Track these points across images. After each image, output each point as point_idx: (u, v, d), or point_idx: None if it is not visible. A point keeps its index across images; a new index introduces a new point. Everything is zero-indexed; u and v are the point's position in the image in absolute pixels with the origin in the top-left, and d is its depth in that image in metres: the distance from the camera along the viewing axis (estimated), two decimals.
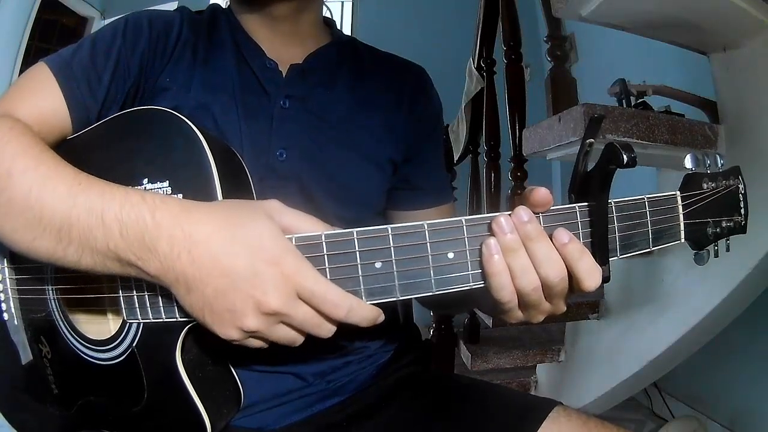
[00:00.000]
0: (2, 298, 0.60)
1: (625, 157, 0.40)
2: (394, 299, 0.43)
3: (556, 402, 0.59)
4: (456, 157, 2.16)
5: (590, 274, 0.42)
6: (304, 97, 0.65)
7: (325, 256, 0.43)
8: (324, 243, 0.43)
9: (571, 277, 0.43)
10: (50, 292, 0.56)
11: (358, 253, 0.42)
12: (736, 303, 1.17)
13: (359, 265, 0.42)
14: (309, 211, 0.45)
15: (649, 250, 0.46)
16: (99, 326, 0.54)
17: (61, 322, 0.56)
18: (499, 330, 1.71)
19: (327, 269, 0.42)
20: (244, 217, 0.42)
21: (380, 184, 0.68)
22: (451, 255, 0.43)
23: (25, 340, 0.59)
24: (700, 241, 0.49)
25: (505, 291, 0.43)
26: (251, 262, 0.40)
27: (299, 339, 0.44)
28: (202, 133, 0.49)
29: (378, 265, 0.42)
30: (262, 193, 0.56)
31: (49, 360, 0.58)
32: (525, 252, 0.42)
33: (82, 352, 0.55)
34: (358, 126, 0.66)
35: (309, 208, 0.46)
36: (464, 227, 0.43)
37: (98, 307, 0.54)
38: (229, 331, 0.42)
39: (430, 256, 0.42)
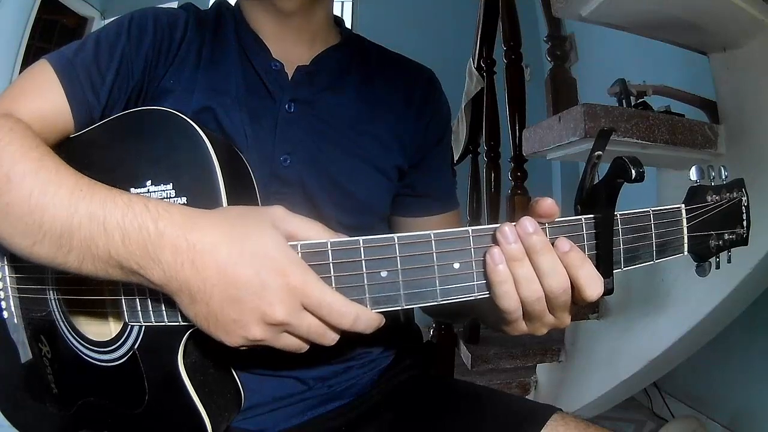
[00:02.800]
0: (2, 297, 0.59)
1: (633, 171, 0.40)
2: (399, 308, 0.43)
3: (554, 408, 0.58)
4: (456, 157, 2.16)
5: (591, 283, 0.43)
6: (310, 101, 0.63)
7: (331, 264, 0.42)
8: (330, 251, 0.42)
9: (573, 286, 0.43)
10: (51, 292, 0.56)
11: (363, 261, 0.42)
12: (736, 303, 1.17)
13: (365, 274, 0.42)
14: (312, 218, 0.45)
15: (652, 262, 0.46)
16: (99, 327, 0.54)
17: (61, 322, 0.56)
18: None
19: (332, 277, 0.42)
20: (249, 227, 0.42)
21: (386, 191, 0.67)
22: (457, 265, 0.42)
23: (24, 339, 0.58)
24: (702, 254, 0.49)
25: (510, 300, 0.43)
26: (257, 273, 0.40)
27: (304, 347, 0.44)
28: (205, 134, 0.48)
29: (383, 273, 0.42)
30: (265, 199, 0.56)
31: (48, 360, 0.57)
32: (529, 262, 0.42)
33: (83, 353, 0.55)
34: (364, 132, 0.65)
35: (312, 214, 0.45)
36: (470, 237, 0.42)
37: (99, 309, 0.54)
38: (234, 340, 0.42)
39: (435, 266, 0.42)
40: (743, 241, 0.51)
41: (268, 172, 0.60)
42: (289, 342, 0.43)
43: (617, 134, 1.07)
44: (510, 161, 1.64)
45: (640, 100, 1.36)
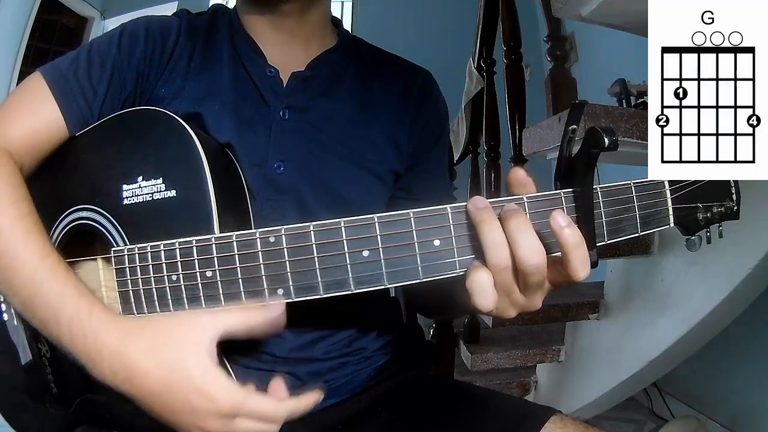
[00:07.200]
0: (2, 299, 0.60)
1: (606, 140, 0.39)
2: (382, 287, 0.44)
3: (553, 410, 0.58)
4: (456, 157, 2.16)
5: (583, 265, 0.41)
6: (304, 107, 0.64)
7: (314, 245, 0.43)
8: (312, 233, 0.44)
9: (564, 265, 0.42)
10: None
11: (345, 241, 0.43)
12: (736, 303, 1.17)
13: (347, 254, 0.43)
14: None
15: (637, 234, 0.46)
16: None
17: None
18: (499, 330, 1.71)
19: (316, 258, 0.43)
20: (176, 351, 0.46)
21: (381, 196, 0.67)
22: (437, 242, 0.43)
23: (24, 340, 0.59)
24: (690, 227, 0.48)
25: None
26: (188, 400, 0.44)
27: None
28: (193, 131, 0.50)
29: (365, 253, 0.43)
30: (259, 206, 0.58)
31: (48, 359, 0.58)
32: (499, 226, 0.41)
33: None
34: (359, 137, 0.65)
35: (306, 220, 0.46)
36: (449, 215, 0.43)
37: None
38: None
39: (416, 244, 0.43)
40: (734, 214, 0.49)
41: (262, 179, 0.60)
42: None
43: (617, 134, 1.07)
44: (510, 161, 1.64)
45: (640, 100, 1.37)
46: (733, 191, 0.49)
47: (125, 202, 0.51)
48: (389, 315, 0.74)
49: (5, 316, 0.60)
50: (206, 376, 0.45)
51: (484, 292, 0.42)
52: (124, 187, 0.51)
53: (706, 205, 0.48)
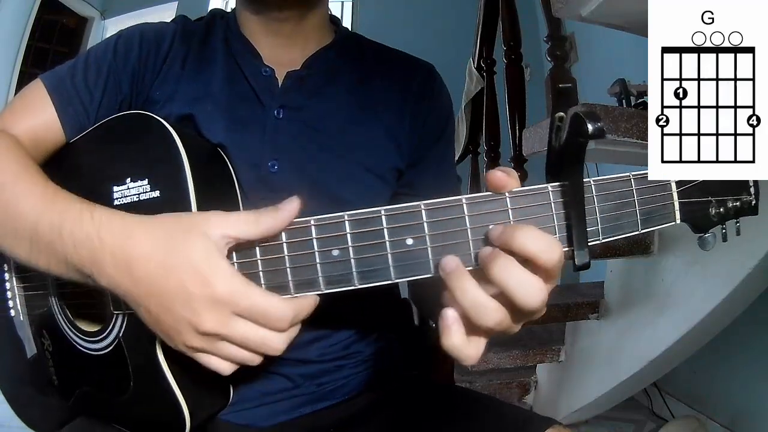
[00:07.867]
0: (9, 296, 0.61)
1: (589, 126, 0.35)
2: (353, 288, 0.42)
3: (552, 421, 0.57)
4: (456, 157, 2.16)
5: (548, 248, 0.37)
6: (300, 106, 0.63)
7: (284, 243, 0.42)
8: (283, 231, 0.42)
9: (528, 260, 0.37)
10: (50, 287, 0.58)
11: (315, 240, 0.42)
12: (736, 303, 1.17)
13: (316, 253, 0.42)
14: None
15: (638, 232, 0.43)
16: (93, 318, 0.56)
17: (59, 315, 0.58)
18: None
19: (286, 257, 0.42)
20: (180, 237, 0.42)
21: (381, 194, 0.66)
22: (410, 241, 0.41)
23: (29, 335, 0.61)
24: (701, 223, 0.44)
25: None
26: (183, 284, 0.41)
27: (251, 358, 0.43)
28: (176, 131, 0.51)
29: (335, 252, 0.41)
30: (253, 206, 0.57)
31: (50, 352, 0.59)
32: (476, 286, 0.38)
33: (78, 344, 0.56)
34: (357, 135, 0.64)
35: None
36: (423, 212, 0.41)
37: (92, 300, 0.55)
38: (177, 346, 0.43)
39: (387, 243, 0.41)
40: (752, 209, 0.45)
41: (256, 178, 0.60)
42: (230, 352, 0.42)
43: (617, 134, 1.07)
44: (510, 161, 1.64)
45: (640, 100, 1.37)
46: (750, 184, 0.45)
47: (116, 203, 0.52)
48: (394, 317, 0.73)
49: (12, 312, 0.61)
50: (210, 260, 0.41)
51: (464, 351, 0.39)
52: (115, 188, 0.52)
53: (719, 200, 0.44)
